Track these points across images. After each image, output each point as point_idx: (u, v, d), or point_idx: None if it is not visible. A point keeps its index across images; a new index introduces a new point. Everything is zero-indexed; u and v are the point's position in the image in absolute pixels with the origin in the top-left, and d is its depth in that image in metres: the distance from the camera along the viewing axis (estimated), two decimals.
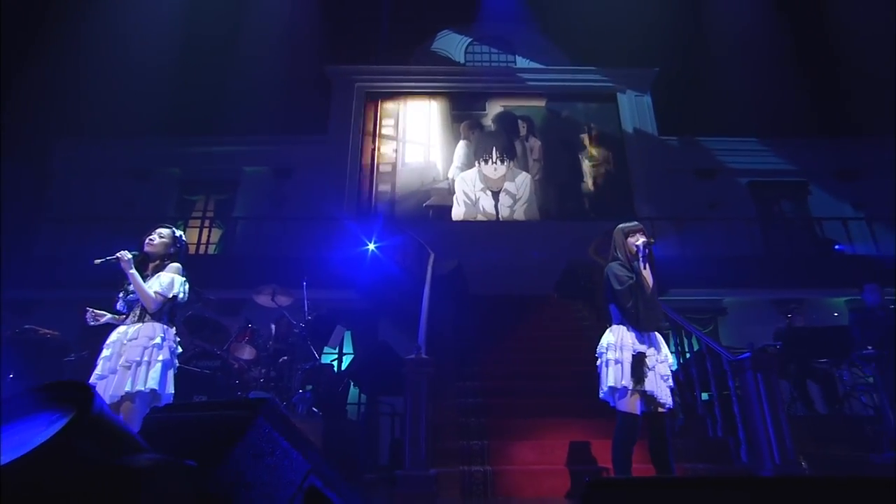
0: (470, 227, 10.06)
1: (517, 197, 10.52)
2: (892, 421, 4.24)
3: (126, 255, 2.59)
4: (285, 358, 5.17)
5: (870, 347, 4.28)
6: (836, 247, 9.01)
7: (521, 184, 10.62)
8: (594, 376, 4.92)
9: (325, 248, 8.53)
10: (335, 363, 6.42)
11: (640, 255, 2.80)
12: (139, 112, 9.40)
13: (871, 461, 4.21)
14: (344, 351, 7.96)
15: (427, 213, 10.34)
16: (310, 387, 5.31)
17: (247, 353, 4.97)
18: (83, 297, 7.19)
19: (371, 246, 8.51)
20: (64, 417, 0.64)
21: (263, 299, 5.36)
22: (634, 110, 11.10)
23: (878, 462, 4.17)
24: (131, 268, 2.56)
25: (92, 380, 2.45)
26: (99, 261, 2.60)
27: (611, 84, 11.36)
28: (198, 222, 9.60)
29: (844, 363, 5.14)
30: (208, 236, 9.51)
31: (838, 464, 4.17)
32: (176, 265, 2.71)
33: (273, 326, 5.53)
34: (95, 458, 0.59)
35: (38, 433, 0.63)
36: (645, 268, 2.80)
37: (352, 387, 6.08)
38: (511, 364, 5.61)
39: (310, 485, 0.93)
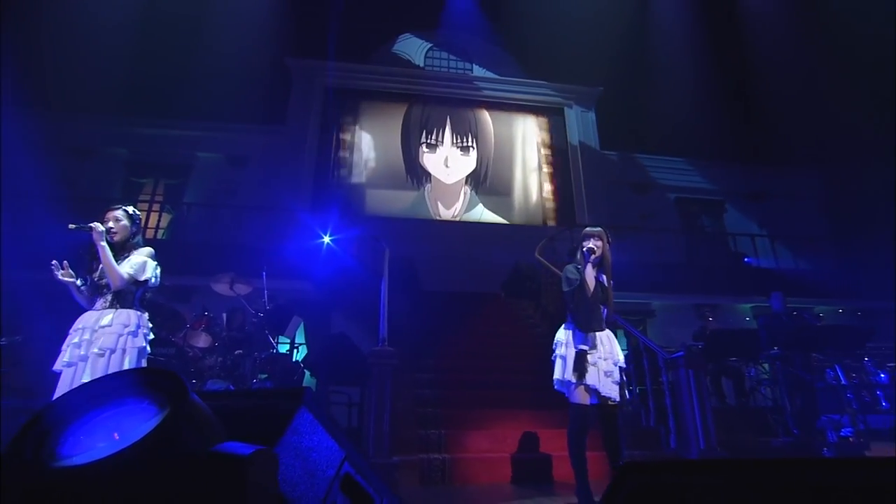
0: (422, 225, 10.08)
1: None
2: (789, 411, 4.73)
3: (100, 227, 2.42)
4: (240, 351, 4.98)
5: (776, 348, 4.73)
6: (746, 259, 9.88)
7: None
8: (541, 371, 5.13)
9: (280, 238, 8.25)
10: (290, 353, 6.27)
11: (585, 259, 2.89)
12: (84, 87, 8.63)
13: (771, 445, 4.68)
14: (296, 341, 7.76)
15: (382, 210, 10.25)
16: (264, 375, 5.15)
17: (202, 340, 4.74)
18: (14, 278, 6.55)
19: (326, 239, 8.35)
20: (161, 405, 0.61)
21: (221, 287, 5.11)
22: (580, 125, 11.56)
23: (776, 446, 4.64)
24: (102, 240, 2.38)
25: (58, 366, 2.26)
26: (73, 226, 2.40)
27: (559, 99, 11.76)
28: (146, 206, 8.96)
29: (752, 361, 5.65)
30: (158, 221, 8.91)
31: (745, 448, 4.60)
32: (148, 249, 2.55)
33: (224, 315, 5.30)
34: (196, 446, 0.58)
35: (139, 422, 0.60)
36: (596, 272, 2.89)
37: (308, 376, 5.94)
38: (464, 357, 5.70)
39: (345, 472, 0.94)
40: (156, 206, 9.08)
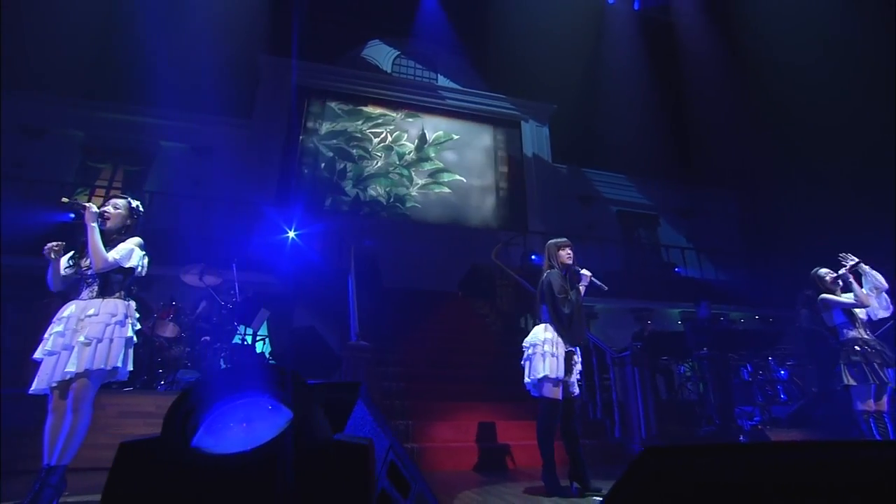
0: (385, 224, 10.01)
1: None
2: (713, 404, 5.13)
3: (94, 207, 2.27)
4: (207, 338, 4.78)
5: (704, 349, 5.13)
6: (676, 269, 10.58)
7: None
8: (498, 366, 5.28)
9: (245, 231, 7.95)
10: (255, 344, 6.07)
11: (579, 274, 3.05)
12: (39, 63, 7.88)
13: (696, 434, 5.07)
14: (259, 334, 7.52)
15: (346, 207, 10.09)
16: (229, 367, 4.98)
17: (169, 330, 4.50)
18: None
19: (291, 233, 8.15)
20: (284, 401, 0.63)
21: (191, 278, 4.88)
22: (534, 138, 11.88)
23: (701, 434, 5.03)
24: (94, 221, 2.23)
25: (39, 354, 2.09)
26: (66, 200, 2.26)
27: (517, 112, 12.03)
28: (103, 192, 8.30)
29: (681, 360, 6.08)
30: None
31: (675, 437, 4.95)
32: (136, 239, 2.40)
33: (202, 304, 5.09)
34: (322, 437, 0.60)
35: (266, 414, 0.61)
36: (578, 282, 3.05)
37: None
38: (426, 352, 5.75)
39: (391, 460, 0.98)
40: (114, 192, 8.44)
